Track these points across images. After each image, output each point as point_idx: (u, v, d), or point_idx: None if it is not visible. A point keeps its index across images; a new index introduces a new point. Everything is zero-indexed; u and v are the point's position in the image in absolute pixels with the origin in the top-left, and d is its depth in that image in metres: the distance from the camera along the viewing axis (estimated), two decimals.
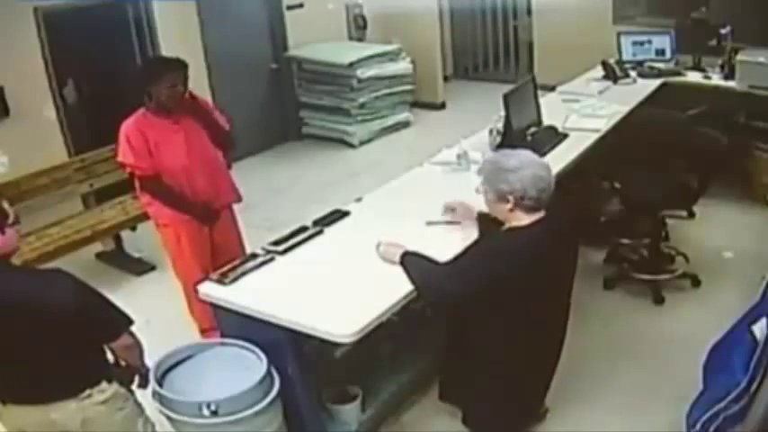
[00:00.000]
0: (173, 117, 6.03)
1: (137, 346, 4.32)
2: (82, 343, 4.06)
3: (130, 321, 4.21)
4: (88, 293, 4.04)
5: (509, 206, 4.51)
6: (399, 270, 4.79)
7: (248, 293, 4.85)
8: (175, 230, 6.29)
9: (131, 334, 4.25)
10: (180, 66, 6.01)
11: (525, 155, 4.70)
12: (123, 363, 4.36)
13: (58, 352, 3.94)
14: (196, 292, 5.09)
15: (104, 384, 4.15)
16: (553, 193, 4.60)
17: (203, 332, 6.53)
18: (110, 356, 4.28)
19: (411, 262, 4.80)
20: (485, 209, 4.92)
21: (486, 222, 5.05)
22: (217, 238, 6.45)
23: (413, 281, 4.69)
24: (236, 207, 6.62)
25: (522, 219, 4.54)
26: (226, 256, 5.84)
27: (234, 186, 6.54)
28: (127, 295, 6.96)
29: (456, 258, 4.64)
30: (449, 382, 5.24)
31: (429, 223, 5.52)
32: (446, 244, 4.99)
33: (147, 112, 6.04)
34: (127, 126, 6.03)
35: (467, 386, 5.02)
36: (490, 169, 4.63)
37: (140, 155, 5.98)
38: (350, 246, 5.28)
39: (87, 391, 4.08)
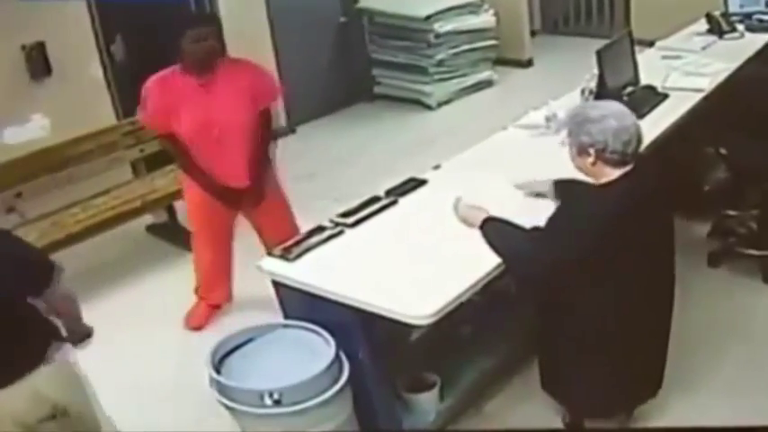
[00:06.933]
0: (202, 78, 5.98)
1: (73, 295, 4.42)
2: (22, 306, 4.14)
3: (61, 268, 4.28)
4: (10, 241, 4.19)
5: (591, 159, 4.49)
6: (482, 245, 4.71)
7: (314, 270, 4.80)
8: (191, 188, 6.45)
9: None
10: (206, 20, 5.98)
11: (611, 105, 4.69)
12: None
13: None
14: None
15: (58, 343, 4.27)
16: (640, 148, 4.59)
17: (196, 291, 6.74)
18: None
19: (494, 228, 4.76)
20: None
21: (565, 191, 5.05)
22: (258, 220, 6.47)
23: (497, 250, 4.65)
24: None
25: (609, 174, 4.50)
26: (275, 240, 5.64)
27: (251, 173, 6.26)
28: (180, 271, 7.00)
29: (544, 226, 4.58)
30: (548, 371, 5.17)
31: (517, 187, 5.42)
32: (538, 212, 4.86)
33: (176, 70, 6.05)
34: (149, 81, 6.11)
35: (568, 373, 4.95)
36: (573, 121, 4.63)
37: (152, 112, 6.11)
38: (427, 218, 5.22)
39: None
